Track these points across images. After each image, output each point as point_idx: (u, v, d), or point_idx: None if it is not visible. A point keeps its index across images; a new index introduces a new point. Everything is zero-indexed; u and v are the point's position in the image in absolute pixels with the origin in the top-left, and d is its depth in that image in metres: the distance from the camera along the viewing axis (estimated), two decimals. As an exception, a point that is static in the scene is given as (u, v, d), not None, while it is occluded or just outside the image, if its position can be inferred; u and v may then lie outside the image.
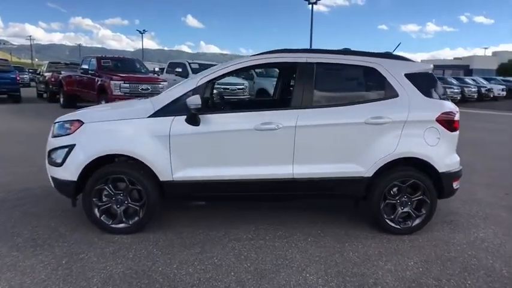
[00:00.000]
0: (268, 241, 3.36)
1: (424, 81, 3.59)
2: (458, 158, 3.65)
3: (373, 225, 3.65)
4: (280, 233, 3.54)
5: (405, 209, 3.53)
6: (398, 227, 3.54)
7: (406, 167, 3.50)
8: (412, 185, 3.49)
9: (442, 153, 3.52)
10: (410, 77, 3.54)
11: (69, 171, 3.36)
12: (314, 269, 2.91)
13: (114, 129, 3.37)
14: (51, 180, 3.56)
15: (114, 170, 3.36)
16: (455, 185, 3.60)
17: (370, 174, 3.44)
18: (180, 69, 13.94)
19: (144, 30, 57.31)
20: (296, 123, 3.35)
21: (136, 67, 13.11)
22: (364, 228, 3.66)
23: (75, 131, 3.40)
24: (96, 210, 3.39)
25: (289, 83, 4.08)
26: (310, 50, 3.62)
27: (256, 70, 16.78)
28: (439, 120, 3.49)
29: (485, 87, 26.44)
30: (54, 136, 3.57)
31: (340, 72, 3.62)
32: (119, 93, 11.11)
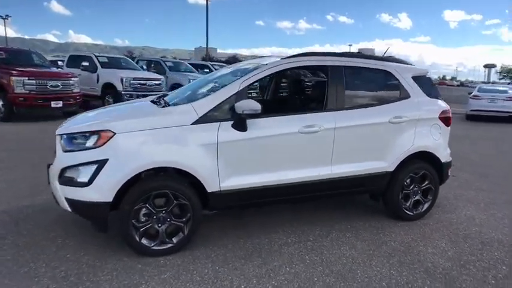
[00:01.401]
0: (315, 242, 3.43)
1: (425, 83, 4.07)
2: (449, 150, 4.25)
3: (388, 215, 4.02)
4: (318, 232, 3.63)
5: (416, 197, 3.98)
6: (412, 213, 3.97)
7: (418, 160, 3.93)
8: (422, 175, 3.95)
9: (443, 146, 4.07)
10: (416, 79, 3.98)
11: (101, 191, 2.86)
12: (378, 262, 3.10)
13: (156, 139, 2.98)
14: (66, 203, 2.97)
15: (157, 185, 2.98)
16: (449, 172, 4.20)
17: (392, 168, 3.77)
18: (86, 63, 12.53)
19: (7, 16, 48.74)
20: (335, 125, 3.47)
21: (34, 60, 11.29)
22: (383, 219, 4.00)
23: (105, 143, 2.90)
24: (135, 233, 2.97)
25: (303, 86, 4.16)
26: (337, 54, 3.76)
27: (168, 63, 16.20)
28: (440, 118, 4.02)
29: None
30: (68, 151, 2.98)
31: (364, 75, 3.85)
32: (23, 91, 9.53)
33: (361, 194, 4.05)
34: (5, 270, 2.81)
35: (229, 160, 3.14)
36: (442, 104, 4.11)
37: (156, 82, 13.03)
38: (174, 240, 3.09)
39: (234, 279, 2.78)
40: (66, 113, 10.73)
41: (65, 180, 2.96)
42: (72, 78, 10.72)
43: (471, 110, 14.53)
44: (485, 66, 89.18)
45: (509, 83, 38.08)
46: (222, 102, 3.16)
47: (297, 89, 3.93)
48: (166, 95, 4.29)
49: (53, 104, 10.04)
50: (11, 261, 2.92)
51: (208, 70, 18.07)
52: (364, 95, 3.85)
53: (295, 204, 4.22)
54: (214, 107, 3.13)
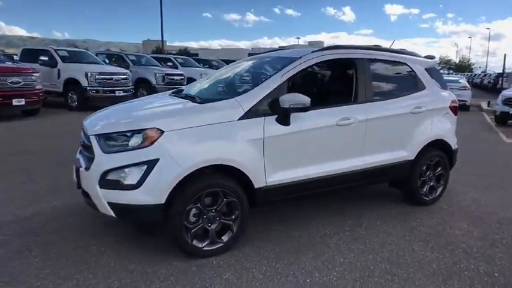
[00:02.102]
0: (352, 232, 3.50)
1: (435, 75, 4.29)
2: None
3: (406, 201, 4.22)
4: (350, 222, 3.71)
5: (431, 183, 4.20)
6: (428, 198, 4.20)
7: (433, 148, 4.14)
8: (436, 162, 4.18)
9: (452, 134, 4.32)
10: (428, 71, 4.18)
11: (153, 193, 2.72)
12: (419, 247, 3.25)
13: (206, 136, 2.87)
14: (109, 208, 2.79)
15: (209, 183, 2.87)
16: (456, 158, 4.48)
17: (413, 157, 3.95)
18: (45, 58, 11.66)
19: None
20: (366, 116, 3.56)
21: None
22: (402, 206, 4.18)
23: (154, 142, 2.74)
24: (187, 235, 2.86)
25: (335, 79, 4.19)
26: (362, 47, 3.83)
27: (131, 57, 15.55)
28: (450, 107, 4.26)
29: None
30: (110, 152, 2.79)
31: (387, 68, 3.97)
32: (-20, 89, 8.67)
33: (383, 182, 4.18)
34: (50, 285, 2.58)
35: (275, 155, 3.11)
36: (451, 95, 4.36)
37: (123, 77, 12.46)
38: (224, 239, 3.01)
39: (297, 274, 2.77)
40: (26, 112, 9.97)
41: (108, 183, 2.77)
42: (34, 74, 9.93)
43: None
44: (426, 57, 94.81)
45: (448, 74, 40.83)
46: (266, 96, 3.10)
47: (329, 82, 3.97)
48: (182, 90, 4.15)
49: (15, 102, 9.24)
50: (52, 275, 2.69)
51: (171, 64, 17.62)
52: (388, 87, 3.97)
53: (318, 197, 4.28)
54: (259, 101, 3.07)
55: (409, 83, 4.09)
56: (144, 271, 2.77)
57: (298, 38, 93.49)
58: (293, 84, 3.30)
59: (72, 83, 11.56)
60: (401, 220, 3.80)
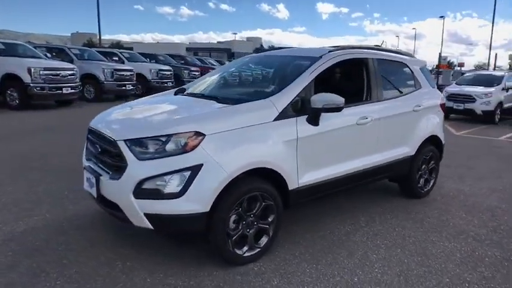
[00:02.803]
0: (369, 228, 3.60)
1: (427, 74, 4.55)
2: None
3: (404, 195, 4.44)
4: (363, 218, 3.81)
5: (425, 176, 4.47)
6: (423, 191, 4.46)
7: (428, 143, 4.39)
8: (430, 156, 4.45)
9: (442, 130, 4.63)
10: (422, 71, 4.43)
11: (198, 201, 2.55)
12: (436, 238, 3.43)
13: (246, 138, 2.76)
14: (145, 219, 2.56)
15: (251, 187, 2.76)
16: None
17: (413, 153, 4.16)
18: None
19: None
20: (379, 115, 3.67)
21: None
22: (400, 199, 4.40)
23: (197, 146, 2.57)
24: (228, 242, 2.73)
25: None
26: (370, 47, 3.93)
27: (74, 51, 14.47)
28: (440, 105, 4.56)
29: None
30: (145, 159, 2.56)
31: (392, 68, 4.11)
32: None
33: (388, 178, 4.34)
34: (90, 309, 2.32)
35: (306, 155, 3.09)
36: (440, 93, 4.67)
37: (70, 73, 11.52)
38: (261, 244, 2.93)
39: (342, 274, 2.79)
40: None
41: (145, 193, 2.54)
42: None
43: None
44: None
45: None
46: (296, 96, 3.06)
47: (346, 82, 4.01)
48: (183, 89, 3.94)
49: None
50: (86, 298, 2.42)
51: (117, 58, 16.65)
52: (393, 87, 4.12)
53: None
54: (290, 102, 3.02)
55: (409, 82, 4.30)
56: (187, 284, 2.59)
57: (235, 34, 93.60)
58: (315, 84, 3.30)
59: (12, 79, 10.43)
60: (407, 213, 4.00)
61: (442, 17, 62.68)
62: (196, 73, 19.31)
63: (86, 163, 3.12)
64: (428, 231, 3.56)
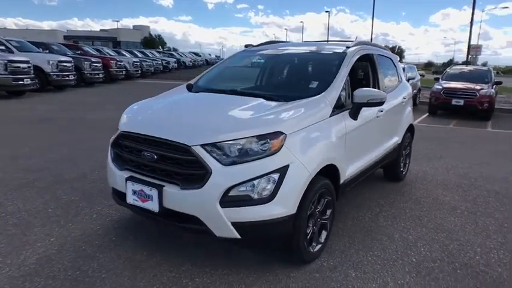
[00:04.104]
0: (386, 220, 3.85)
1: (400, 68, 5.04)
2: None
3: (389, 180, 4.89)
4: (370, 212, 4.09)
5: (404, 160, 4.99)
6: (404, 173, 4.98)
7: (407, 131, 4.88)
8: (408, 142, 4.97)
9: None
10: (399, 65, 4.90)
11: (287, 204, 2.46)
12: (449, 221, 3.83)
13: (316, 136, 2.73)
14: (233, 229, 2.38)
15: (320, 185, 2.73)
16: None
17: (400, 140, 4.61)
18: None
19: None
20: (388, 107, 3.97)
21: None
22: (385, 182, 4.83)
23: (281, 147, 2.45)
24: (305, 241, 2.70)
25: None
26: (372, 44, 4.19)
27: (13, 43, 12.72)
28: (412, 97, 5.11)
29: (165, 60, 29.98)
30: (230, 164, 2.36)
31: (386, 63, 4.43)
32: None
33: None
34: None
35: (349, 149, 3.19)
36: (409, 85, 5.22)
37: (24, 66, 10.25)
38: (322, 239, 2.96)
39: (401, 256, 2.99)
40: None
41: (233, 200, 2.35)
42: None
43: None
44: (246, 46, 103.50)
45: None
46: (341, 91, 3.14)
47: (360, 76, 4.15)
48: (191, 85, 3.69)
49: None
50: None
51: (4, 48, 14.17)
52: (389, 80, 4.46)
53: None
54: (338, 97, 3.09)
55: (395, 76, 4.71)
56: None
57: (117, 21, 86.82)
58: None
59: None
60: (402, 195, 4.43)
61: (327, 11, 69.02)
62: (98, 64, 17.56)
63: (125, 174, 2.70)
64: (431, 210, 4.02)
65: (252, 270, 2.71)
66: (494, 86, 12.20)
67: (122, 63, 20.39)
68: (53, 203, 3.74)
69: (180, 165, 2.46)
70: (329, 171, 2.93)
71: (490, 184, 4.94)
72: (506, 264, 2.95)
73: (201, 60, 44.00)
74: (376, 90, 3.24)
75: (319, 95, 3.00)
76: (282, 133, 2.49)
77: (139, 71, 22.69)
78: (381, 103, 3.23)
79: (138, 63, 23.09)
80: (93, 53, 20.64)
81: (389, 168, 4.80)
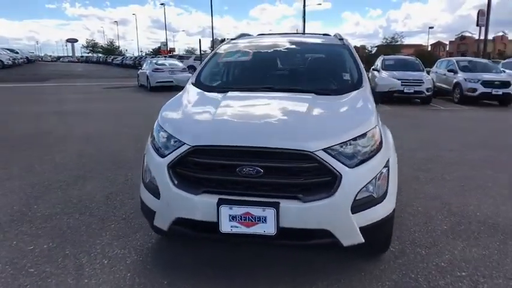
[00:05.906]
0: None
1: None
2: None
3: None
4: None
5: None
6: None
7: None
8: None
9: None
10: None
11: (394, 198, 2.43)
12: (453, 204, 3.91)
13: (383, 128, 2.77)
14: (359, 234, 2.22)
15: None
16: None
17: None
18: None
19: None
20: None
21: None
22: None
23: (380, 141, 2.42)
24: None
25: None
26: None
27: None
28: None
29: None
30: (353, 166, 2.19)
31: None
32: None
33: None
34: None
35: None
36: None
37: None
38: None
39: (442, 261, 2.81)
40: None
41: (360, 204, 2.20)
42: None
43: (157, 82, 16.32)
44: (68, 41, 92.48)
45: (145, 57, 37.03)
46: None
47: None
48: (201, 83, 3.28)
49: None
50: None
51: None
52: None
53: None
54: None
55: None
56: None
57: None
58: None
59: None
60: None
61: (162, 4, 67.14)
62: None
63: (208, 198, 2.17)
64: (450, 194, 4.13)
65: (317, 276, 2.55)
66: None
67: None
68: None
69: (297, 175, 2.16)
70: None
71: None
72: None
73: (21, 58, 37.16)
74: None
75: (362, 87, 3.03)
76: (376, 127, 2.45)
77: None
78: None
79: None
80: None
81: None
